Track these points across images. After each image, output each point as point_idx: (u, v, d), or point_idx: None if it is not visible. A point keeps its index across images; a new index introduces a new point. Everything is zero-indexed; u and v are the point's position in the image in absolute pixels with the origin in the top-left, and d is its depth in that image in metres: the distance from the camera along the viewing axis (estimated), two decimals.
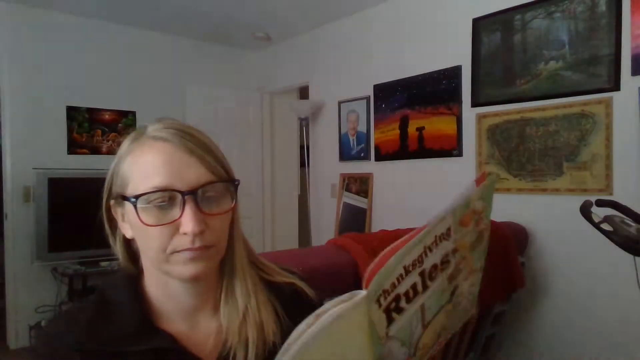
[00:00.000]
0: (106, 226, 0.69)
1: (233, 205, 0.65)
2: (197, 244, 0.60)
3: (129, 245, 0.70)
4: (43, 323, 3.37)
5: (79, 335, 0.61)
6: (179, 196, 0.60)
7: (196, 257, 0.61)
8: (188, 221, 0.59)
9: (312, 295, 0.76)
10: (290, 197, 4.89)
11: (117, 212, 0.66)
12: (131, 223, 0.64)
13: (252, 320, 0.67)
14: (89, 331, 0.62)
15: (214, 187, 0.63)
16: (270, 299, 0.71)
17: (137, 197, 0.60)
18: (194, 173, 0.61)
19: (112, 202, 0.66)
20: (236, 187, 0.66)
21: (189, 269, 0.62)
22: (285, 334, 0.68)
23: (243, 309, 0.68)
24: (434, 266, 0.57)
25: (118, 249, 0.70)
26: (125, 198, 0.62)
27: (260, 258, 0.76)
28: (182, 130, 0.64)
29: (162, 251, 0.61)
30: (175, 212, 0.60)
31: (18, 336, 3.45)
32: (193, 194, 0.60)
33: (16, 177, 3.44)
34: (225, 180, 0.65)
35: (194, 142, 0.63)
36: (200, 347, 0.67)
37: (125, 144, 0.66)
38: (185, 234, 0.60)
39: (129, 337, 0.62)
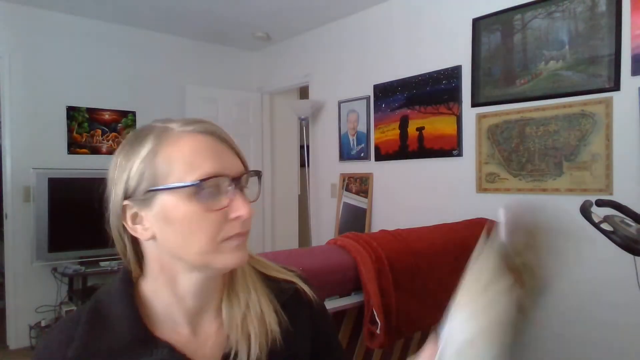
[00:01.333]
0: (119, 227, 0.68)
1: (259, 194, 0.69)
2: (246, 228, 0.64)
3: (135, 246, 0.67)
4: (43, 323, 3.37)
5: (76, 349, 0.60)
6: (226, 183, 0.62)
7: (241, 245, 0.64)
8: (241, 205, 0.62)
9: (311, 294, 0.77)
10: (290, 197, 4.89)
11: (128, 213, 0.63)
12: (168, 218, 0.61)
13: (253, 313, 0.68)
14: (85, 344, 0.61)
15: (247, 176, 0.66)
16: (268, 294, 0.71)
17: (201, 180, 0.60)
18: (235, 163, 0.65)
19: (125, 202, 0.63)
20: (260, 178, 0.70)
21: (235, 257, 0.64)
22: (283, 330, 0.69)
23: (244, 303, 0.68)
24: None
25: (128, 250, 0.67)
26: (168, 189, 0.60)
27: (252, 254, 0.76)
28: (213, 125, 0.66)
29: (212, 240, 0.61)
30: (223, 200, 0.62)
31: (18, 336, 3.44)
32: (239, 181, 0.64)
33: (16, 177, 3.43)
34: (256, 171, 0.68)
35: (226, 137, 0.66)
36: (202, 352, 0.66)
37: (149, 141, 0.62)
38: (237, 217, 0.62)
39: (126, 349, 0.61)
